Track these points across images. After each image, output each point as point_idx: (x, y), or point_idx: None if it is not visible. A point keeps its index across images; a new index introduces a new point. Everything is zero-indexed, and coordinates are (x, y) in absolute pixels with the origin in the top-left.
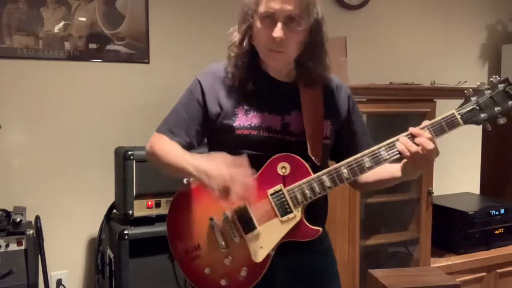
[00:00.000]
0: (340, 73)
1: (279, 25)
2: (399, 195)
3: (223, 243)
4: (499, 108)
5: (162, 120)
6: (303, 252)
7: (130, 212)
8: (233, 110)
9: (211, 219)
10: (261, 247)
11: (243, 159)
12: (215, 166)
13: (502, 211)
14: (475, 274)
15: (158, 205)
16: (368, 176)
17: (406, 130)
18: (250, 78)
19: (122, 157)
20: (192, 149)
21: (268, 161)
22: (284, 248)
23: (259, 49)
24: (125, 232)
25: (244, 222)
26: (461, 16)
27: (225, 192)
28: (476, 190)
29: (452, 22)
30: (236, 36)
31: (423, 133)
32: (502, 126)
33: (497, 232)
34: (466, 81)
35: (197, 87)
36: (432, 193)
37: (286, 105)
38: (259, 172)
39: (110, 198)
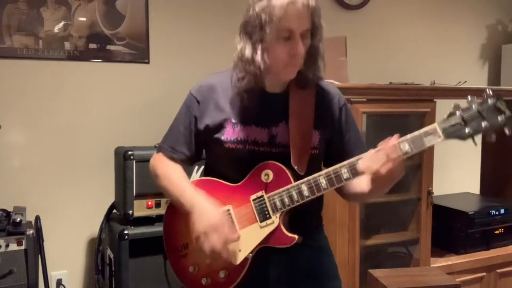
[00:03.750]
0: (340, 73)
1: (300, 42)
2: (399, 195)
3: None
4: (486, 123)
5: (163, 137)
6: (298, 248)
7: (130, 212)
8: (222, 124)
9: None
10: (239, 250)
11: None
12: (207, 211)
13: (502, 211)
14: (475, 274)
15: (158, 205)
16: (349, 188)
17: (406, 130)
18: (243, 92)
19: (122, 157)
20: (194, 162)
21: (254, 168)
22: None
23: (275, 65)
24: (125, 232)
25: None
26: (461, 16)
27: (205, 237)
28: (476, 190)
29: (452, 22)
30: (247, 50)
31: (388, 150)
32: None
33: (497, 232)
34: (466, 81)
35: (193, 103)
36: (432, 193)
37: (275, 117)
38: (245, 179)
39: (110, 198)
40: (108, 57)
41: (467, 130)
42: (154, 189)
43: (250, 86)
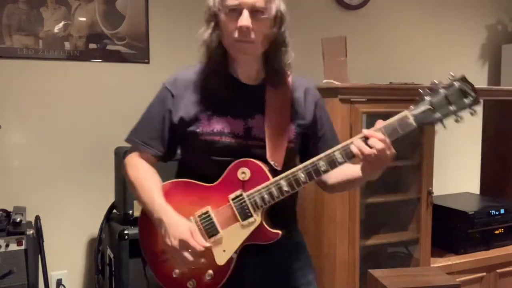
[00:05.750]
0: (340, 73)
1: (245, 13)
2: (399, 195)
3: None
4: (453, 107)
5: (133, 130)
6: (271, 247)
7: (130, 212)
8: (197, 116)
9: None
10: (224, 251)
11: (200, 241)
12: (175, 227)
13: (502, 211)
14: (475, 274)
15: None
16: (336, 177)
17: None
18: (217, 83)
19: (122, 157)
20: (168, 159)
21: (229, 166)
22: (251, 245)
23: (226, 43)
24: (125, 232)
25: (207, 227)
26: (461, 16)
27: (176, 252)
28: (476, 190)
29: (452, 22)
30: (204, 35)
31: (375, 135)
32: (502, 126)
33: (497, 232)
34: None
35: (167, 96)
36: (432, 193)
37: (251, 109)
38: (221, 178)
39: (110, 198)
40: (108, 57)
41: (436, 115)
42: None
43: (215, 67)
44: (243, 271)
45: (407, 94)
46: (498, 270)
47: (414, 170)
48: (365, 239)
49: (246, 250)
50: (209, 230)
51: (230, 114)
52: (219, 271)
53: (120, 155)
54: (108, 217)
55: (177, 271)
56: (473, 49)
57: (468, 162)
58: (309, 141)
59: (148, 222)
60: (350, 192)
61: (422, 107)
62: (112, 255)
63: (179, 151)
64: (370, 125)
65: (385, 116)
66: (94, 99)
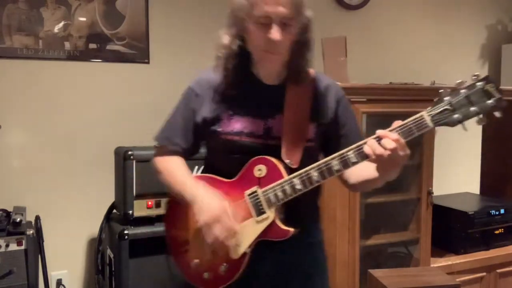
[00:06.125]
0: (340, 73)
1: (275, 27)
2: (399, 195)
3: None
4: (475, 108)
5: (161, 128)
6: (285, 244)
7: (130, 212)
8: (218, 116)
9: None
10: (238, 245)
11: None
12: (208, 203)
13: (502, 211)
14: (475, 274)
15: (158, 205)
16: (357, 177)
17: None
18: (239, 82)
19: (122, 157)
20: (191, 154)
21: (247, 163)
22: (266, 240)
23: (254, 52)
24: (125, 232)
25: None
26: (461, 16)
27: (208, 228)
28: (476, 190)
29: (452, 22)
30: (225, 38)
31: (389, 135)
32: (502, 126)
33: (497, 232)
34: (466, 81)
35: (191, 96)
36: (432, 193)
37: (271, 109)
38: (239, 174)
39: (110, 198)
40: (108, 57)
41: (455, 116)
42: (154, 189)
43: (237, 69)
44: (257, 266)
45: (407, 94)
46: (498, 270)
47: (414, 170)
48: (365, 239)
49: (260, 245)
50: None
51: (250, 114)
52: (233, 265)
53: (120, 155)
54: (108, 217)
55: (196, 261)
56: (473, 49)
57: (468, 162)
58: (331, 139)
59: (172, 214)
60: (350, 192)
61: (441, 108)
62: (112, 255)
63: (202, 150)
64: (370, 125)
65: (385, 116)
66: (94, 99)
